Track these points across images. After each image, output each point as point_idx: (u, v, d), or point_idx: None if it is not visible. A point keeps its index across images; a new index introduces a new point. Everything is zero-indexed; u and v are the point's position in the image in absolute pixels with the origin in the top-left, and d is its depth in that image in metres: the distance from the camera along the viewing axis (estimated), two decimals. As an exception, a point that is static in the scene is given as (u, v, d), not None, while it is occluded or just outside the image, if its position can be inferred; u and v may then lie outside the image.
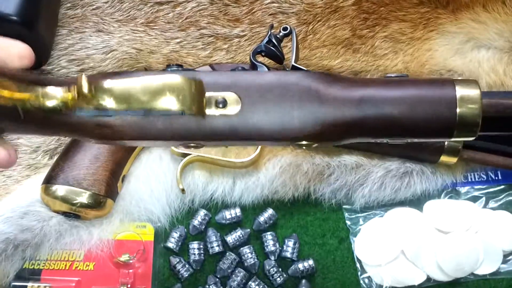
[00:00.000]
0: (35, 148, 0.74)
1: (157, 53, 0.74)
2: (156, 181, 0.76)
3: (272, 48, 0.63)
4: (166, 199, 0.77)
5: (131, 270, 0.75)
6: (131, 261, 0.75)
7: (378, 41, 0.75)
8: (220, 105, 0.49)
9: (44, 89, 0.46)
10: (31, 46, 0.49)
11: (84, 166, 0.70)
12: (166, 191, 0.76)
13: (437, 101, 0.50)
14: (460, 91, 0.50)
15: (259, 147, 0.74)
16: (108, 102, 0.43)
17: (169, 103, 0.44)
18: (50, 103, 0.46)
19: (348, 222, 0.80)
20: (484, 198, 0.81)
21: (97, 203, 0.70)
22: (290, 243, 0.78)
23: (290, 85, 0.50)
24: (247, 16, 0.75)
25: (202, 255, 0.78)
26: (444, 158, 0.75)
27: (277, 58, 0.64)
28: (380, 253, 0.78)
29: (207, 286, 0.77)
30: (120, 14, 0.75)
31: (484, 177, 0.81)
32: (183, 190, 0.73)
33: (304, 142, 0.50)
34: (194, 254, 0.77)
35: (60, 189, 0.69)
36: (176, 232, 0.78)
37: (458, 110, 0.50)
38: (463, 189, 0.81)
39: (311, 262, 0.77)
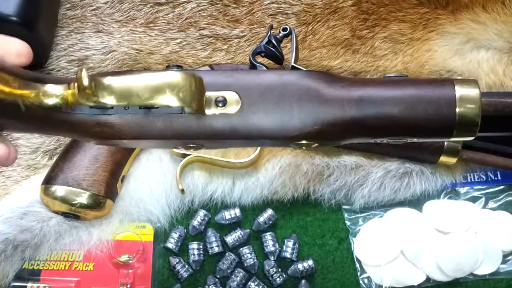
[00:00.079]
0: (34, 148, 0.74)
1: (156, 53, 0.75)
2: (155, 181, 0.76)
3: (271, 48, 0.63)
4: (166, 199, 0.77)
5: (130, 271, 0.75)
6: (130, 262, 0.75)
7: (377, 42, 0.75)
8: (220, 104, 0.49)
9: (44, 87, 0.46)
10: (31, 46, 0.49)
11: (84, 167, 0.70)
12: (165, 191, 0.76)
13: (436, 100, 0.50)
14: (460, 91, 0.50)
15: (259, 147, 0.74)
16: (108, 99, 0.43)
17: (169, 100, 0.44)
18: (50, 101, 0.46)
19: (347, 223, 0.80)
20: (483, 199, 0.81)
21: (96, 204, 0.70)
22: (289, 243, 0.78)
23: (290, 84, 0.50)
24: (246, 16, 0.75)
25: (202, 255, 0.78)
26: (443, 159, 0.75)
27: (277, 58, 0.64)
28: (380, 253, 0.78)
29: (206, 287, 0.77)
30: (120, 15, 0.75)
31: (484, 177, 0.81)
32: (182, 191, 0.74)
33: (304, 142, 0.50)
34: (194, 254, 0.77)
35: (59, 190, 0.69)
36: (176, 233, 0.78)
37: (457, 109, 0.50)
38: (462, 190, 0.81)
39: (310, 262, 0.77)
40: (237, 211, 0.79)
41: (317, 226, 0.80)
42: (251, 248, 0.78)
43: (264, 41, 0.64)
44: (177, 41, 0.75)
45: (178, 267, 0.77)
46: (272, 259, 0.78)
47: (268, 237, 0.78)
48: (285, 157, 0.76)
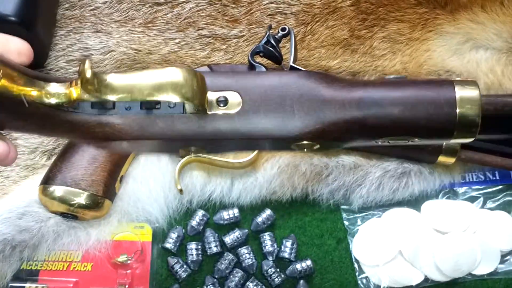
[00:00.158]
0: (33, 148, 0.74)
1: (155, 53, 0.74)
2: (154, 181, 0.76)
3: (270, 48, 0.63)
4: (164, 199, 0.77)
5: (129, 271, 0.75)
6: (129, 262, 0.75)
7: (376, 42, 0.75)
8: (221, 104, 0.49)
9: (46, 85, 0.46)
10: (29, 46, 0.49)
11: (82, 167, 0.70)
12: (164, 191, 0.76)
13: (437, 101, 0.50)
14: (460, 92, 0.51)
15: (257, 147, 0.74)
16: (110, 95, 0.43)
17: (172, 96, 0.44)
18: (52, 99, 0.46)
19: (346, 223, 0.80)
20: (482, 199, 0.81)
21: (95, 204, 0.70)
22: (288, 243, 0.78)
23: (291, 84, 0.50)
24: (245, 16, 0.75)
25: (200, 255, 0.78)
26: (442, 159, 0.75)
27: (275, 58, 0.64)
28: (378, 253, 0.78)
29: (205, 287, 0.77)
30: (119, 15, 0.75)
31: (482, 177, 0.81)
32: (181, 191, 0.73)
33: (305, 142, 0.50)
34: (192, 254, 0.77)
35: (58, 190, 0.69)
36: (174, 233, 0.78)
37: (458, 110, 0.50)
38: (461, 190, 0.81)
39: (309, 262, 0.77)
40: (236, 211, 0.79)
41: (316, 226, 0.80)
42: (249, 248, 0.78)
43: (263, 41, 0.64)
44: (176, 41, 0.75)
45: (177, 267, 0.77)
46: (270, 259, 0.78)
47: (267, 237, 0.78)
48: (284, 157, 0.76)
